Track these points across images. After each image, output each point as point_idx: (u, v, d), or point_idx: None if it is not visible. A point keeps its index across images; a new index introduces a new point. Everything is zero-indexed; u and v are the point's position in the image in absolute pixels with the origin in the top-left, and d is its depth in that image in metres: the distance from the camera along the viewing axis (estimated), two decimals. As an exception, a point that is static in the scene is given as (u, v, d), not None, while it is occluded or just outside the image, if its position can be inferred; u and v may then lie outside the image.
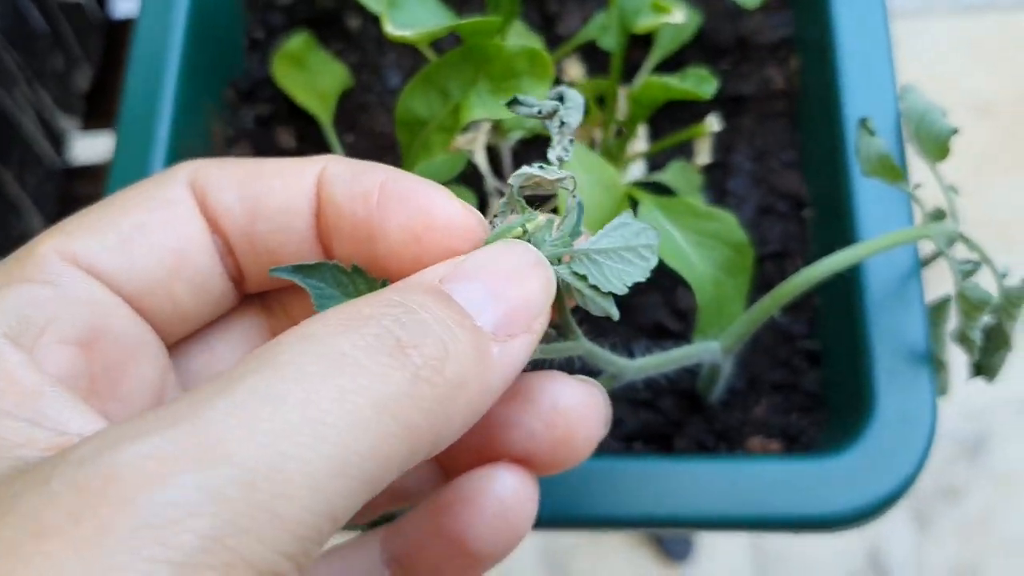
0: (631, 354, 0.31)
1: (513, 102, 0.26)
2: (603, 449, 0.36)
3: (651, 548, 1.17)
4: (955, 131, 0.34)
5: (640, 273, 0.25)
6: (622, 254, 0.25)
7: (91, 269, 0.21)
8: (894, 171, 0.30)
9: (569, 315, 0.25)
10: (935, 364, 0.38)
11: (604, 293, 0.24)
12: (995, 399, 1.20)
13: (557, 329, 0.25)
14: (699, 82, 0.35)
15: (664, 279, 0.40)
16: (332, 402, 0.17)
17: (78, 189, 0.60)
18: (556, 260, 0.23)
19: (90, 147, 0.62)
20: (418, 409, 0.17)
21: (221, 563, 0.15)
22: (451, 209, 0.21)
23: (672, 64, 0.42)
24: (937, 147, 0.33)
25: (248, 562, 0.15)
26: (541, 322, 0.21)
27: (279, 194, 0.23)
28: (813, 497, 0.32)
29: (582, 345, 0.25)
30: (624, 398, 0.37)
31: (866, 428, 0.32)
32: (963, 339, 0.33)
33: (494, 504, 0.22)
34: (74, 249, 0.21)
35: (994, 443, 1.19)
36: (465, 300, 0.19)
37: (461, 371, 0.18)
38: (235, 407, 0.16)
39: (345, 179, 0.22)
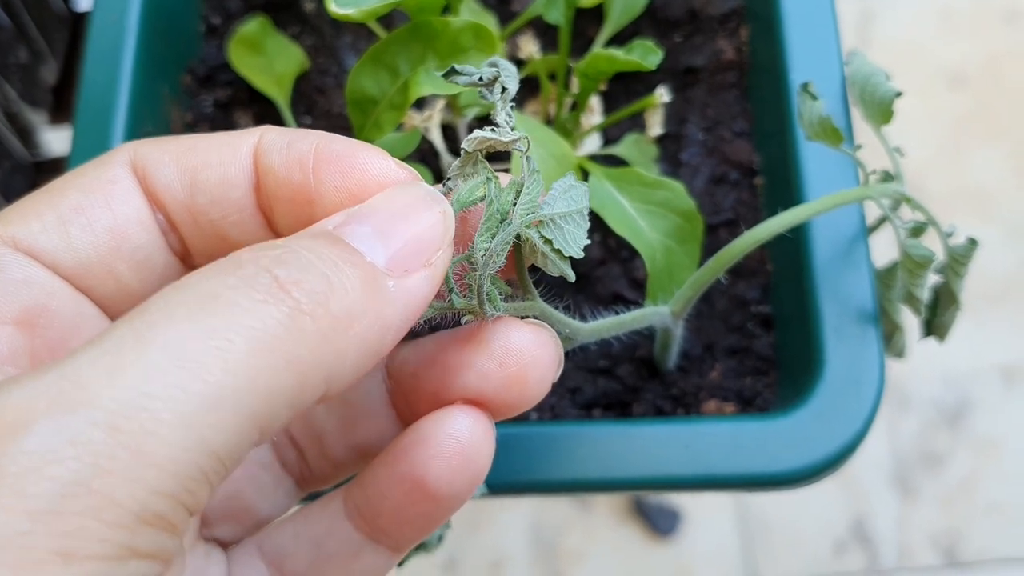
0: (585, 320, 0.31)
1: (451, 72, 0.26)
2: (563, 416, 0.37)
3: (638, 524, 1.18)
4: (899, 94, 0.34)
5: (585, 235, 0.26)
6: (575, 217, 0.26)
7: (30, 251, 0.22)
8: (835, 134, 0.31)
9: (526, 275, 0.25)
10: (885, 325, 0.39)
11: (565, 256, 0.25)
12: (976, 367, 1.21)
13: (514, 288, 0.26)
14: (644, 53, 0.35)
15: (623, 250, 0.41)
16: (200, 341, 0.17)
17: (48, 181, 0.60)
18: (528, 224, 0.24)
19: (59, 140, 0.62)
20: (301, 343, 0.18)
21: (87, 507, 0.15)
22: (384, 167, 0.22)
23: (625, 38, 0.43)
24: (881, 110, 0.34)
25: (119, 503, 0.15)
26: (442, 257, 0.21)
27: (216, 167, 0.23)
28: (765, 456, 0.32)
29: (538, 305, 0.26)
30: (583, 367, 0.38)
31: (815, 388, 0.33)
32: (909, 298, 0.34)
33: (451, 444, 0.22)
34: (12, 233, 0.22)
35: (975, 410, 1.20)
36: (355, 240, 0.20)
37: (349, 305, 0.19)
38: (101, 354, 0.17)
39: (280, 147, 0.23)
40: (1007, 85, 1.30)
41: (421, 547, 0.32)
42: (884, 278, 0.37)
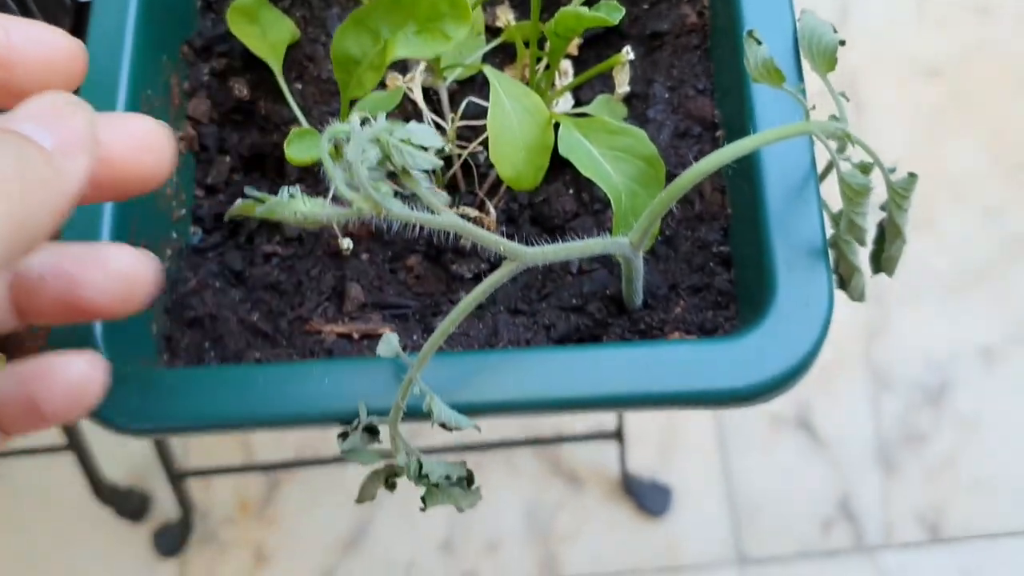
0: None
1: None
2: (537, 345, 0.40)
3: (630, 504, 1.21)
4: (842, 42, 0.37)
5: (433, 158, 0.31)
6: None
7: None
8: (777, 74, 0.34)
9: (422, 188, 0.30)
10: (843, 267, 0.42)
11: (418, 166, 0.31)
12: (957, 349, 1.24)
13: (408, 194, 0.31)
14: (609, 11, 0.38)
15: (596, 203, 0.44)
16: None
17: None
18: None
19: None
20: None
21: None
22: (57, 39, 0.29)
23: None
24: (825, 58, 0.37)
25: None
26: (92, 150, 0.27)
27: None
28: (720, 375, 0.35)
29: (448, 219, 0.30)
30: (557, 305, 0.41)
31: (767, 314, 0.36)
32: (852, 227, 0.37)
33: (66, 383, 0.30)
34: None
35: (957, 390, 1.23)
36: (28, 132, 0.25)
37: (39, 173, 0.24)
38: None
39: None
40: (980, 76, 1.34)
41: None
42: (838, 220, 0.40)
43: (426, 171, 0.31)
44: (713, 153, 0.32)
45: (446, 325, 0.34)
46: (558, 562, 1.19)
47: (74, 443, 0.98)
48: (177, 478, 1.05)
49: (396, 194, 0.30)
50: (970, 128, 1.32)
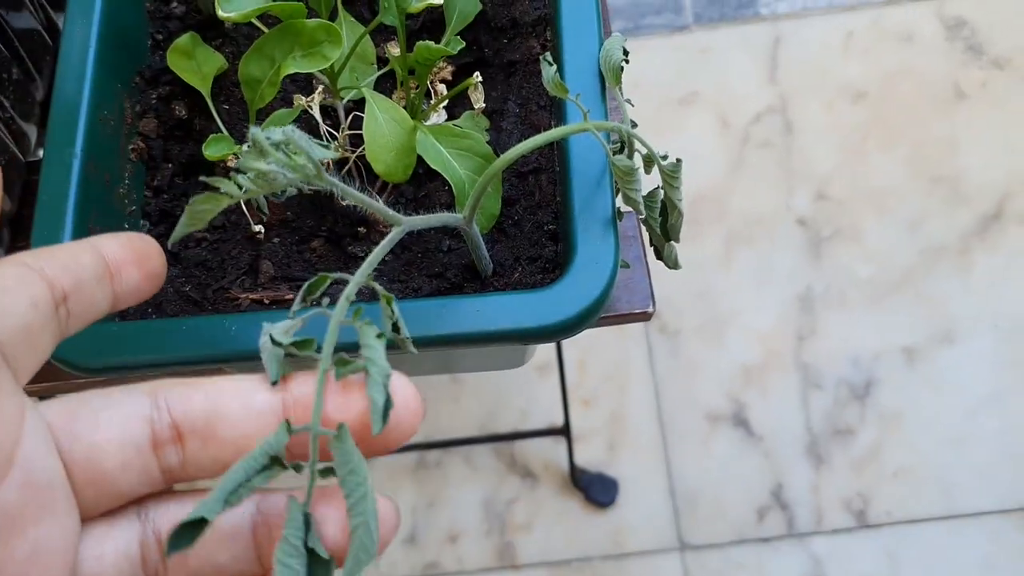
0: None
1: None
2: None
3: (579, 498, 1.31)
4: (626, 61, 0.49)
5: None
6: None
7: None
8: (562, 88, 0.45)
9: (311, 160, 0.40)
10: (653, 240, 0.53)
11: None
12: (881, 349, 1.34)
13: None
14: (454, 44, 0.50)
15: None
16: None
17: (36, 179, 0.75)
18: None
19: (48, 146, 0.77)
20: None
21: None
22: None
23: (467, 40, 0.57)
24: (614, 72, 0.48)
25: None
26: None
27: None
28: (534, 315, 0.46)
29: (329, 179, 0.40)
30: (424, 272, 0.52)
31: (568, 271, 0.47)
32: (629, 200, 0.48)
33: None
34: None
35: (881, 387, 1.33)
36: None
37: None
38: None
39: None
40: (902, 98, 1.46)
41: None
42: (647, 201, 0.51)
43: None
44: (511, 149, 0.44)
45: (364, 268, 0.44)
46: (514, 551, 1.29)
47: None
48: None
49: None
50: (892, 146, 1.43)
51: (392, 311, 0.38)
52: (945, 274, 1.38)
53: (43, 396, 0.72)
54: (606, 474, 1.31)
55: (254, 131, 0.36)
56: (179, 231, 0.37)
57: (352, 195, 0.41)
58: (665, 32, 1.56)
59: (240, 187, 0.36)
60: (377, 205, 0.42)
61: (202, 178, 0.37)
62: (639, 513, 1.29)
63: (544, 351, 1.32)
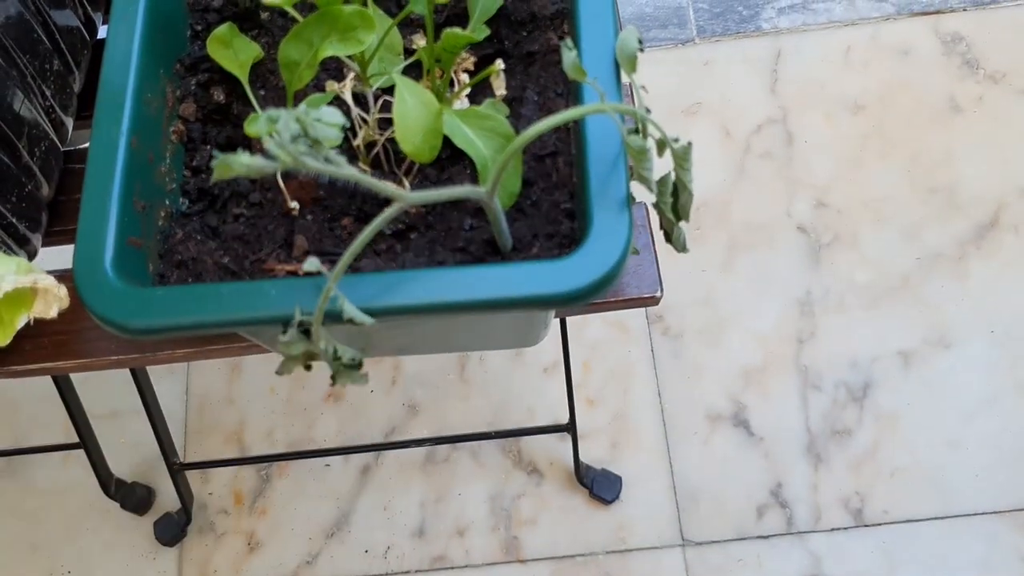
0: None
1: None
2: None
3: (584, 495, 1.34)
4: (641, 49, 0.52)
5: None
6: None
7: None
8: (580, 71, 0.49)
9: (327, 151, 0.43)
10: (663, 224, 0.56)
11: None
12: (879, 352, 1.38)
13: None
14: (479, 32, 0.54)
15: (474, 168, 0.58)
16: None
17: (74, 166, 0.79)
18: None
19: (81, 137, 0.80)
20: None
21: None
22: None
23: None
24: (629, 60, 0.52)
25: None
26: None
27: None
28: (553, 283, 0.50)
29: (347, 170, 0.44)
30: (447, 247, 0.56)
31: (585, 243, 0.50)
32: (641, 179, 0.51)
33: None
34: None
35: (879, 390, 1.36)
36: None
37: None
38: None
39: None
40: (900, 110, 1.50)
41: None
42: (659, 185, 0.55)
43: (338, 145, 0.45)
44: (531, 127, 0.47)
45: (355, 247, 0.48)
46: (519, 545, 1.32)
47: (84, 441, 1.09)
48: (176, 471, 1.17)
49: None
50: (890, 156, 1.47)
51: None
52: (941, 280, 1.41)
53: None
54: (610, 471, 1.34)
55: (268, 114, 0.41)
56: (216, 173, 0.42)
57: (365, 181, 0.45)
58: (670, 45, 1.60)
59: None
60: (371, 180, 0.46)
61: (214, 152, 0.42)
62: (642, 509, 1.32)
63: (551, 351, 1.36)
